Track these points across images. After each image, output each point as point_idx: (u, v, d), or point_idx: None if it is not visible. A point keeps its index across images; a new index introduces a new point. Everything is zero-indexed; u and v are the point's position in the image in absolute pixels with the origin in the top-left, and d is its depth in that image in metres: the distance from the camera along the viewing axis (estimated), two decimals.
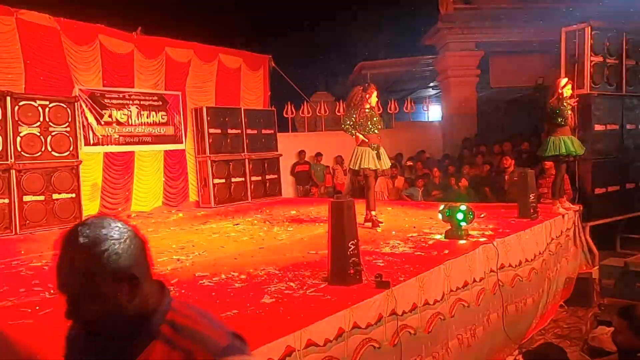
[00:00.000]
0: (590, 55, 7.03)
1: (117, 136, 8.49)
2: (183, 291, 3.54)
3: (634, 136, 7.78)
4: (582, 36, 7.04)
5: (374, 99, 5.94)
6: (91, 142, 8.15)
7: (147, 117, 8.92)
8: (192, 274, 4.03)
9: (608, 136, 7.36)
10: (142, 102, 8.83)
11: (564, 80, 6.46)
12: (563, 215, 6.30)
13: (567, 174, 6.68)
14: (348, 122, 5.89)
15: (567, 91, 6.38)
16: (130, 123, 8.67)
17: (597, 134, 7.15)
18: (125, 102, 8.61)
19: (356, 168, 5.90)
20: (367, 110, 5.88)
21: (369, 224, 5.86)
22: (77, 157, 7.71)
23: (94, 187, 8.16)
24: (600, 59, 7.21)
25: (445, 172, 10.19)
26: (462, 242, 4.72)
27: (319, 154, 11.59)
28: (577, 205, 6.72)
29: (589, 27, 6.99)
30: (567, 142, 6.26)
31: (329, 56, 17.02)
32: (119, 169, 8.54)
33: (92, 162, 8.17)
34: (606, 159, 7.26)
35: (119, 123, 8.50)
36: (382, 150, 5.99)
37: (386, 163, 6.08)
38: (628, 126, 7.66)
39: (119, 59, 8.52)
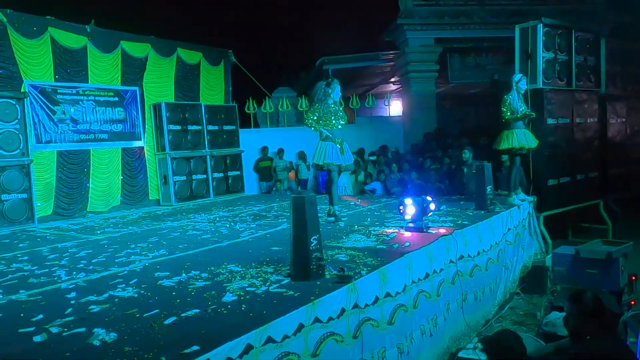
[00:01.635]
0: (542, 51, 7.29)
1: (72, 133, 8.16)
2: (142, 292, 3.45)
3: (584, 129, 8.13)
4: (534, 33, 7.29)
5: (337, 93, 5.93)
6: (43, 140, 7.80)
7: (103, 114, 8.61)
8: (152, 273, 3.94)
9: (559, 129, 7.65)
10: (97, 98, 8.51)
11: (518, 76, 6.69)
12: (518, 206, 6.52)
13: (521, 166, 6.90)
14: (312, 117, 5.86)
15: (522, 86, 6.61)
16: (85, 120, 8.34)
17: (549, 127, 7.42)
18: (79, 98, 8.28)
19: (320, 163, 5.90)
20: (330, 105, 5.87)
21: (332, 219, 5.89)
22: (28, 155, 7.38)
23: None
24: (552, 55, 7.49)
25: (409, 166, 10.34)
26: (422, 234, 4.81)
27: (281, 150, 11.53)
28: (531, 196, 6.97)
29: (541, 25, 7.25)
30: (519, 136, 6.48)
31: (290, 51, 16.95)
32: (74, 168, 8.21)
33: (44, 160, 7.82)
34: (558, 151, 7.55)
35: (73, 120, 8.17)
36: (345, 145, 6.00)
37: (349, 158, 6.11)
38: (578, 119, 7.99)
39: (72, 53, 8.18)
